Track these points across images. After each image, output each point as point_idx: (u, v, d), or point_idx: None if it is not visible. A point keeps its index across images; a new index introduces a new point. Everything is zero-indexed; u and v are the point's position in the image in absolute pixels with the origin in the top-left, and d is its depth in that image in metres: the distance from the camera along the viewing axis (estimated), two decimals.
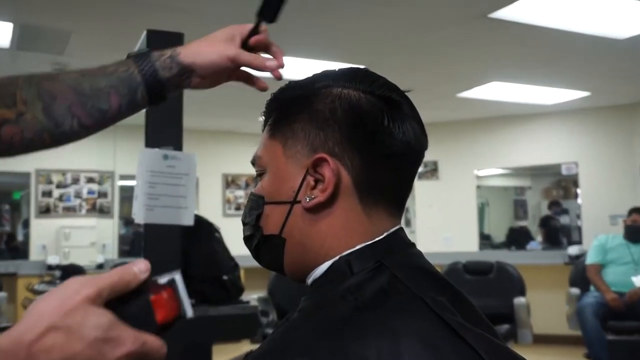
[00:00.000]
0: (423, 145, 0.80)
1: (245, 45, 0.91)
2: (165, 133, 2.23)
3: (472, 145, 7.97)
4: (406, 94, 0.80)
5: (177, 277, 0.55)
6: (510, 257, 6.66)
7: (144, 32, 2.15)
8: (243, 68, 0.93)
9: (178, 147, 2.23)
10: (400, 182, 0.79)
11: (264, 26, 0.92)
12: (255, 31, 0.91)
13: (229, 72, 0.92)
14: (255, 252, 0.80)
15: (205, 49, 0.89)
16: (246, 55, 0.89)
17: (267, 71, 0.91)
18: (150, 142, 2.21)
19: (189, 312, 0.55)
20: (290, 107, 0.78)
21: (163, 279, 0.54)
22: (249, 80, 0.94)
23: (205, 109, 6.84)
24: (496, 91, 6.46)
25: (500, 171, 9.13)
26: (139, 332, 0.52)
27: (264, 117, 0.82)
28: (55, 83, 0.87)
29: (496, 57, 5.35)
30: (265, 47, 0.92)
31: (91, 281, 0.51)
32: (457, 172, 8.05)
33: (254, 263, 0.85)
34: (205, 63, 0.89)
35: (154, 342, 0.53)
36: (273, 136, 0.79)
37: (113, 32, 4.43)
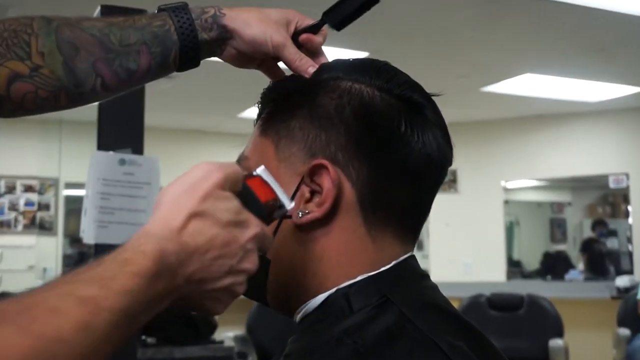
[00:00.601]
0: (447, 160, 0.80)
1: (294, 37, 0.92)
2: (122, 132, 2.21)
3: (499, 151, 7.98)
4: (433, 97, 0.81)
5: (261, 170, 0.70)
6: (545, 289, 6.61)
7: (98, 8, 2.16)
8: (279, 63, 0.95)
9: (138, 149, 2.21)
10: (415, 203, 0.79)
11: (325, 29, 0.93)
12: (313, 29, 0.93)
13: (263, 58, 0.93)
14: None
15: (254, 21, 0.90)
16: (292, 51, 0.89)
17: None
18: (104, 144, 2.21)
19: (285, 201, 0.71)
20: (288, 100, 0.79)
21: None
22: (276, 77, 0.94)
23: (171, 103, 6.74)
24: (529, 85, 6.44)
25: (534, 183, 9.08)
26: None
27: (257, 109, 0.84)
28: (78, 31, 0.87)
29: (530, 43, 5.33)
30: (314, 52, 0.92)
31: (218, 167, 0.62)
32: (480, 184, 7.98)
33: None
34: (248, 37, 0.90)
35: (266, 227, 0.67)
36: (265, 133, 0.80)
37: (57, 6, 4.40)
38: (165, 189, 0.61)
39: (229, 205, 0.61)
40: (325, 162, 0.75)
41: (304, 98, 0.78)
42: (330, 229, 0.76)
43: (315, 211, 0.75)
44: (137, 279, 0.52)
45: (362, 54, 5.05)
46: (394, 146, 0.75)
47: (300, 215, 0.75)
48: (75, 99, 0.89)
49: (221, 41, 0.91)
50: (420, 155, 0.76)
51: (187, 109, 7.37)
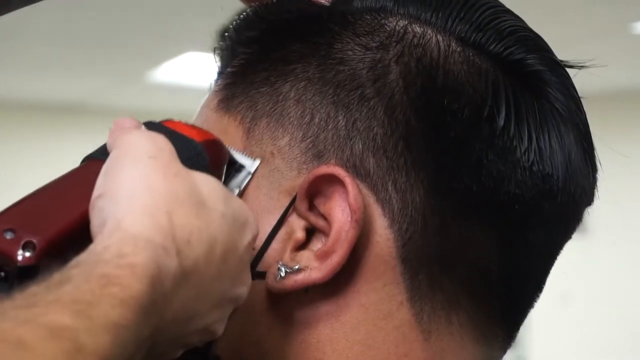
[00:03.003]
0: (582, 190, 0.59)
1: None
2: None
3: None
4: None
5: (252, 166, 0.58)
6: None
7: None
8: None
9: None
10: (515, 266, 0.60)
11: None
12: None
13: None
14: None
15: None
16: None
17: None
18: None
19: (242, 158, 0.58)
20: (281, 43, 0.60)
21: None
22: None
23: (18, 62, 4.69)
24: None
25: None
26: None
27: (216, 61, 0.66)
28: None
29: None
30: None
31: (154, 139, 0.50)
32: (630, 223, 4.83)
33: None
34: None
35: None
36: (228, 105, 0.61)
37: None
38: (113, 168, 0.47)
39: (213, 186, 0.48)
40: (340, 171, 0.55)
41: (312, 42, 0.59)
42: (339, 305, 0.56)
43: (313, 268, 0.55)
44: (126, 311, 0.40)
45: None
46: (479, 154, 0.56)
47: (282, 274, 0.55)
48: None
49: None
50: (531, 175, 0.57)
51: (45, 75, 5.23)
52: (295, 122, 0.59)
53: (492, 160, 0.58)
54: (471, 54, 0.59)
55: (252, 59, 0.62)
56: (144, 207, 0.47)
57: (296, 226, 0.56)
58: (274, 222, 0.56)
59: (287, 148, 0.58)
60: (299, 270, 0.55)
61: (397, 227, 0.57)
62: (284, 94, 0.59)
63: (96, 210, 0.47)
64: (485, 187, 0.58)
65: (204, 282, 0.48)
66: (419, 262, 0.57)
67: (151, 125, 0.55)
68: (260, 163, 0.59)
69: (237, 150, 0.58)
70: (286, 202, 0.57)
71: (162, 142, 0.50)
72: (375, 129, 0.57)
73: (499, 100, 0.57)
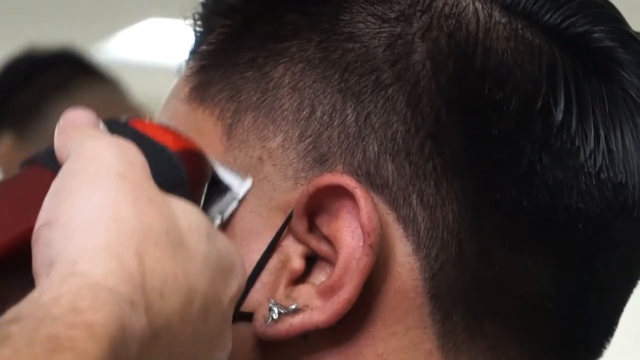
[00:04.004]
0: None
1: None
2: None
3: None
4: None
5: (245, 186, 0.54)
6: None
7: None
8: None
9: None
10: (580, 302, 0.56)
11: None
12: None
13: None
14: None
15: None
16: None
17: None
18: None
19: (230, 177, 0.54)
20: (272, 11, 0.57)
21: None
22: None
23: None
24: None
25: None
26: None
27: (194, 36, 0.61)
28: None
29: None
30: None
31: (118, 143, 0.46)
32: None
33: None
34: None
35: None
36: (203, 95, 0.57)
37: None
38: (67, 188, 0.43)
39: (194, 218, 0.45)
40: (349, 180, 0.51)
41: (313, 12, 0.55)
42: (349, 356, 0.52)
43: (314, 308, 0.50)
44: None
45: None
46: (531, 158, 0.52)
47: (274, 316, 0.51)
48: None
49: None
50: (599, 185, 0.54)
51: None
52: (290, 117, 0.53)
53: (548, 166, 0.53)
54: (520, 26, 0.54)
55: (235, 34, 0.57)
56: (108, 245, 0.42)
57: (292, 253, 0.52)
58: (263, 247, 0.52)
59: (281, 151, 0.53)
60: (296, 311, 0.51)
61: (424, 254, 0.52)
62: (275, 80, 0.54)
63: (42, 243, 0.42)
64: (539, 200, 0.53)
65: (178, 344, 0.44)
66: (452, 300, 0.53)
67: (115, 126, 0.50)
68: (252, 182, 0.55)
69: (223, 165, 0.53)
70: (279, 221, 0.52)
71: (132, 154, 0.45)
72: (395, 125, 0.52)
73: (557, 87, 0.53)
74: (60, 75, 2.02)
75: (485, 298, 0.54)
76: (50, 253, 0.41)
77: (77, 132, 0.46)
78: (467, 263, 0.52)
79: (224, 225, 0.54)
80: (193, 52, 0.59)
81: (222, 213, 0.53)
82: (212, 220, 0.52)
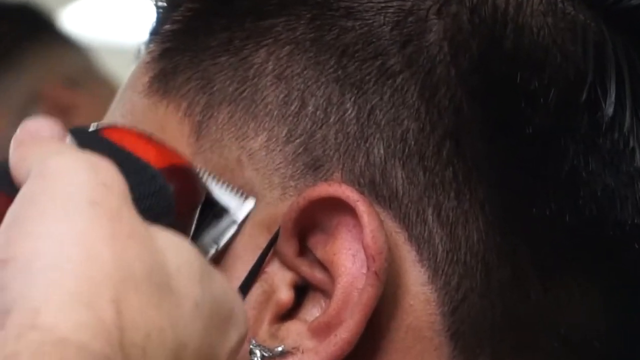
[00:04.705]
0: None
1: None
2: None
3: None
4: None
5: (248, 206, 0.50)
6: None
7: None
8: None
9: None
10: (635, 337, 0.52)
11: None
12: None
13: None
14: None
15: None
16: None
17: None
18: None
19: (225, 196, 0.50)
20: None
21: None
22: None
23: None
24: None
25: None
26: None
27: (156, 10, 0.55)
28: None
29: None
30: None
31: (90, 162, 0.41)
32: None
33: None
34: None
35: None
36: (166, 83, 0.52)
37: None
38: (26, 217, 0.39)
39: (184, 254, 0.40)
40: (349, 191, 0.46)
41: None
42: None
43: (306, 350, 0.46)
44: None
45: None
46: (574, 161, 0.48)
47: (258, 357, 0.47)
48: None
49: None
50: None
51: None
52: (275, 112, 0.49)
53: (596, 172, 0.48)
54: (567, 5, 0.49)
55: (206, 11, 0.52)
56: (78, 291, 0.37)
57: (279, 281, 0.47)
58: (243, 274, 0.47)
59: (264, 153, 0.48)
60: (283, 354, 0.46)
61: (443, 282, 0.47)
62: (256, 66, 0.49)
63: None
64: (585, 214, 0.48)
65: None
66: (478, 338, 0.48)
67: (84, 137, 0.45)
68: (246, 196, 0.49)
69: (218, 182, 0.49)
70: (262, 241, 0.47)
71: (108, 175, 0.41)
72: (406, 122, 0.47)
73: (606, 74, 0.48)
74: (25, 28, 1.87)
75: (518, 335, 0.49)
76: (4, 299, 0.36)
77: (38, 147, 0.41)
78: (495, 292, 0.47)
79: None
80: (154, 33, 0.54)
81: (217, 241, 0.48)
82: (205, 252, 0.46)
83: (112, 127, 0.47)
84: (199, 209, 0.46)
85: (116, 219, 0.38)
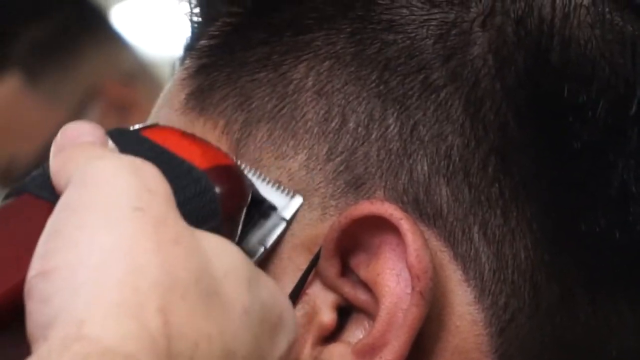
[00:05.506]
0: None
1: None
2: None
3: None
4: None
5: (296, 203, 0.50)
6: None
7: None
8: None
9: None
10: None
11: None
12: None
13: None
14: None
15: None
16: None
17: None
18: None
19: (273, 193, 0.50)
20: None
21: None
22: None
23: None
24: None
25: None
26: None
27: (191, 25, 0.56)
28: None
29: None
30: None
31: (135, 165, 0.41)
32: None
33: None
34: None
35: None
36: (203, 100, 0.52)
37: None
38: (68, 226, 0.38)
39: (232, 259, 0.40)
40: (393, 209, 0.46)
41: None
42: None
43: None
44: None
45: None
46: (624, 177, 0.48)
47: None
48: None
49: None
50: None
51: None
52: (315, 130, 0.48)
53: None
54: (607, 9, 0.48)
55: (243, 25, 0.52)
56: (124, 301, 0.37)
57: (321, 303, 0.47)
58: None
59: (304, 172, 0.48)
60: None
61: (490, 302, 0.47)
62: (295, 82, 0.49)
63: (36, 300, 0.38)
64: (636, 231, 0.48)
65: None
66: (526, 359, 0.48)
67: (124, 139, 0.45)
68: (293, 194, 0.49)
69: (264, 180, 0.48)
70: (303, 262, 0.47)
71: (152, 179, 0.41)
72: (450, 138, 0.47)
73: None
74: (82, 23, 1.86)
75: (567, 357, 0.49)
76: (47, 311, 0.37)
77: (80, 152, 0.41)
78: (544, 312, 0.47)
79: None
80: (190, 48, 0.54)
81: (263, 242, 0.47)
82: (252, 254, 0.46)
83: (154, 127, 0.47)
84: (245, 210, 0.46)
85: (161, 226, 0.39)
